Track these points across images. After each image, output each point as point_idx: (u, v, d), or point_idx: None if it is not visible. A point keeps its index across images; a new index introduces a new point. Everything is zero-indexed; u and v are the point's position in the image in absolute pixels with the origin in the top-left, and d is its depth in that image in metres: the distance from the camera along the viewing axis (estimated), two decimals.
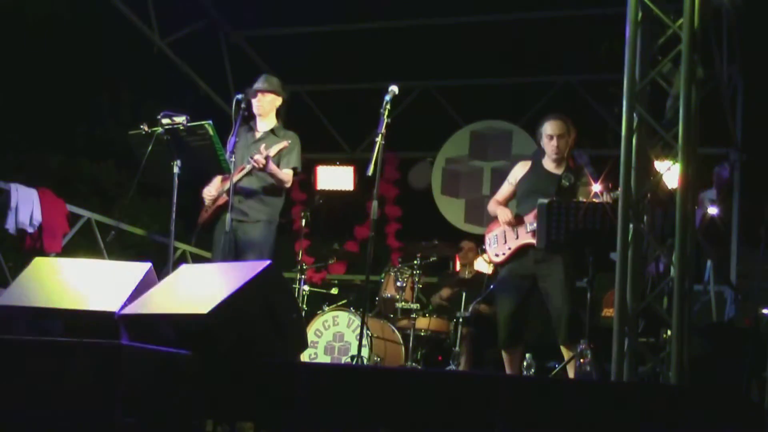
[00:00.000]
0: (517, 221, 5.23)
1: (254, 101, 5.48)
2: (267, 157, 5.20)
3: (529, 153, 7.86)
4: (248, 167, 5.30)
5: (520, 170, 5.40)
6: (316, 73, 9.67)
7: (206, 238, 5.69)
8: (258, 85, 5.54)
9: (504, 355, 5.31)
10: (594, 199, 4.83)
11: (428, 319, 6.72)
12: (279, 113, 5.59)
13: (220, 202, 5.38)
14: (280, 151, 5.31)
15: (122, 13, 7.78)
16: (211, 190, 5.46)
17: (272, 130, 5.52)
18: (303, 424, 3.04)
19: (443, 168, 9.29)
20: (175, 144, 4.78)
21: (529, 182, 5.29)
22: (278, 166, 5.34)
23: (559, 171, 5.24)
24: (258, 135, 5.54)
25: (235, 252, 5.31)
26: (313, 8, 8.24)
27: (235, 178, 5.27)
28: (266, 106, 5.52)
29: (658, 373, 4.29)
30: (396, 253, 9.34)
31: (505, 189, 5.45)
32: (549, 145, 5.24)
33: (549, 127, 5.25)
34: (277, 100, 5.56)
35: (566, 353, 5.10)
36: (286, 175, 5.40)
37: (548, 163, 5.30)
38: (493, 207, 5.44)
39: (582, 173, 5.14)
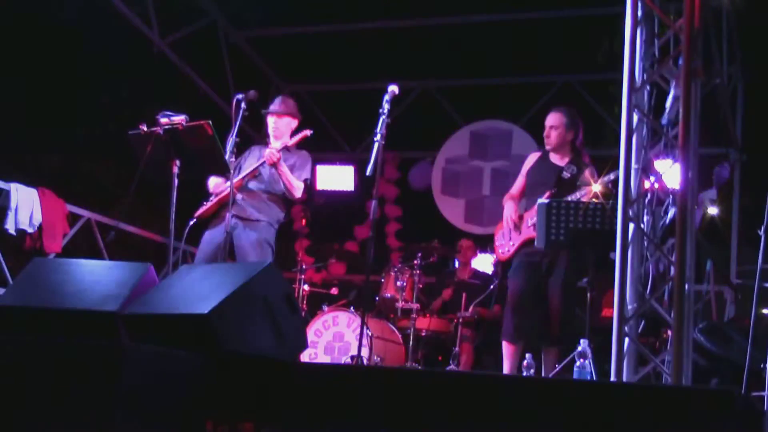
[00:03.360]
0: (519, 218, 5.24)
1: (270, 123, 5.54)
2: (279, 155, 5.21)
3: (529, 153, 7.86)
4: (257, 162, 5.31)
5: (530, 161, 5.47)
6: (316, 73, 9.67)
7: (197, 235, 5.56)
8: (274, 107, 5.57)
9: (505, 347, 5.23)
10: (594, 199, 4.83)
11: (428, 319, 6.71)
12: (293, 133, 5.58)
13: (222, 196, 5.32)
14: (294, 149, 5.32)
15: (122, 13, 7.78)
16: (219, 182, 5.43)
17: (286, 148, 5.50)
18: (303, 424, 3.04)
19: (443, 168, 9.28)
20: (174, 144, 4.77)
21: (534, 173, 5.36)
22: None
23: (562, 163, 5.26)
24: None
25: (233, 256, 5.27)
26: (313, 8, 8.24)
27: (243, 174, 5.30)
28: (282, 129, 5.55)
29: (658, 373, 4.28)
30: (396, 253, 9.34)
31: (519, 181, 5.51)
32: (545, 136, 5.29)
33: (547, 119, 5.31)
34: (293, 123, 5.60)
35: (548, 355, 5.10)
36: (296, 181, 5.40)
37: (553, 155, 5.35)
38: (504, 201, 5.47)
39: (584, 166, 5.17)
